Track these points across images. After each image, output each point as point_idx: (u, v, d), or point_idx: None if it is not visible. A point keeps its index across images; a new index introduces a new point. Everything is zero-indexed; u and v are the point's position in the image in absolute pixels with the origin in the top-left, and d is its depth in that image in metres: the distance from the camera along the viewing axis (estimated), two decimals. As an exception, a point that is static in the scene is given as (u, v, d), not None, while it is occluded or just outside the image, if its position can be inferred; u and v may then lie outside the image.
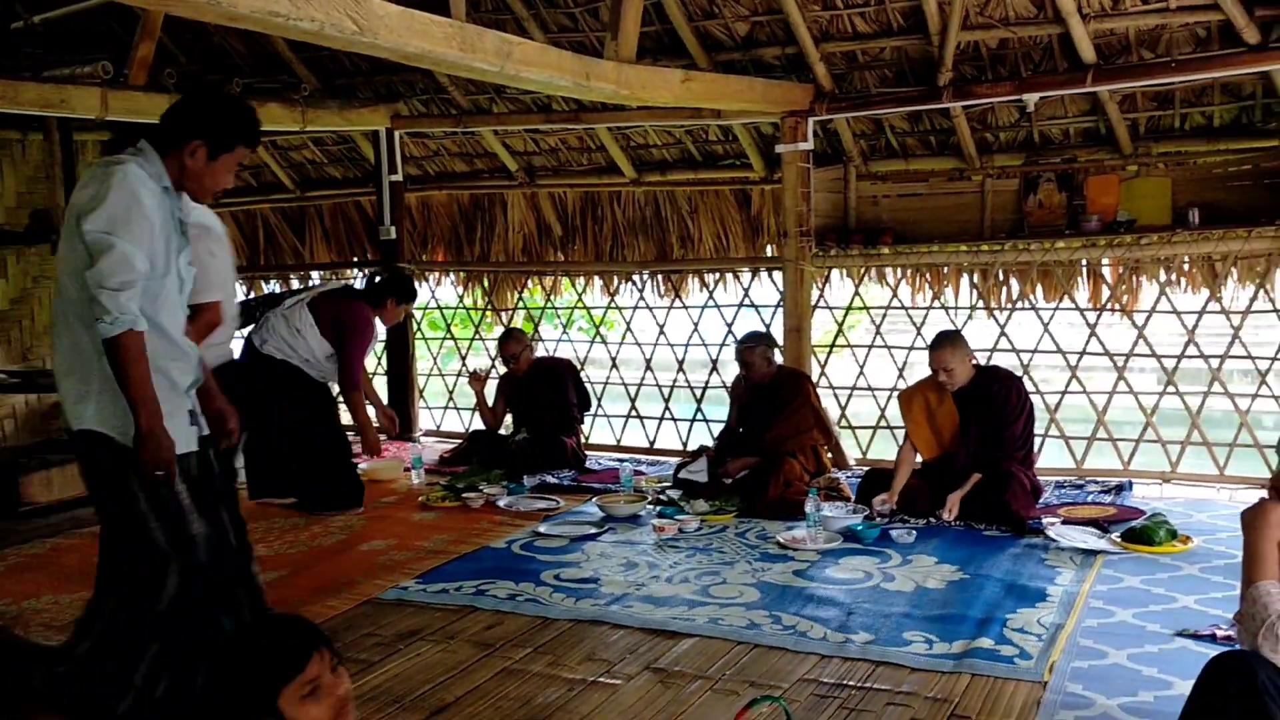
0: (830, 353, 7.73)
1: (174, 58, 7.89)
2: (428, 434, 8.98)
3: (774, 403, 6.32)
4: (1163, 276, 6.61)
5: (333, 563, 5.28)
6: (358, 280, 9.73)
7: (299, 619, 2.20)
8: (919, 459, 5.87)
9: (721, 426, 6.95)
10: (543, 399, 7.26)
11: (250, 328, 6.26)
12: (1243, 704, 2.25)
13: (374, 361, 8.95)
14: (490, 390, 7.56)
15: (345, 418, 6.65)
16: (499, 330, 9.00)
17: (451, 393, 9.23)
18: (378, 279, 6.80)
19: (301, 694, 2.05)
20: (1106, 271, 6.80)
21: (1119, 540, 5.09)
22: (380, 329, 6.49)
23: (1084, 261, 6.77)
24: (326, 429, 6.30)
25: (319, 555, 5.43)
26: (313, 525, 5.97)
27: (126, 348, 3.05)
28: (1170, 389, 6.72)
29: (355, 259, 9.58)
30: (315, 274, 9.83)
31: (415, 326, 9.02)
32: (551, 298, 8.90)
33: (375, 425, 6.37)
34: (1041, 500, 5.78)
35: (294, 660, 2.06)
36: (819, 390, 6.86)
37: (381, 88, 8.27)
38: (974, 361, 5.83)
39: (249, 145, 3.41)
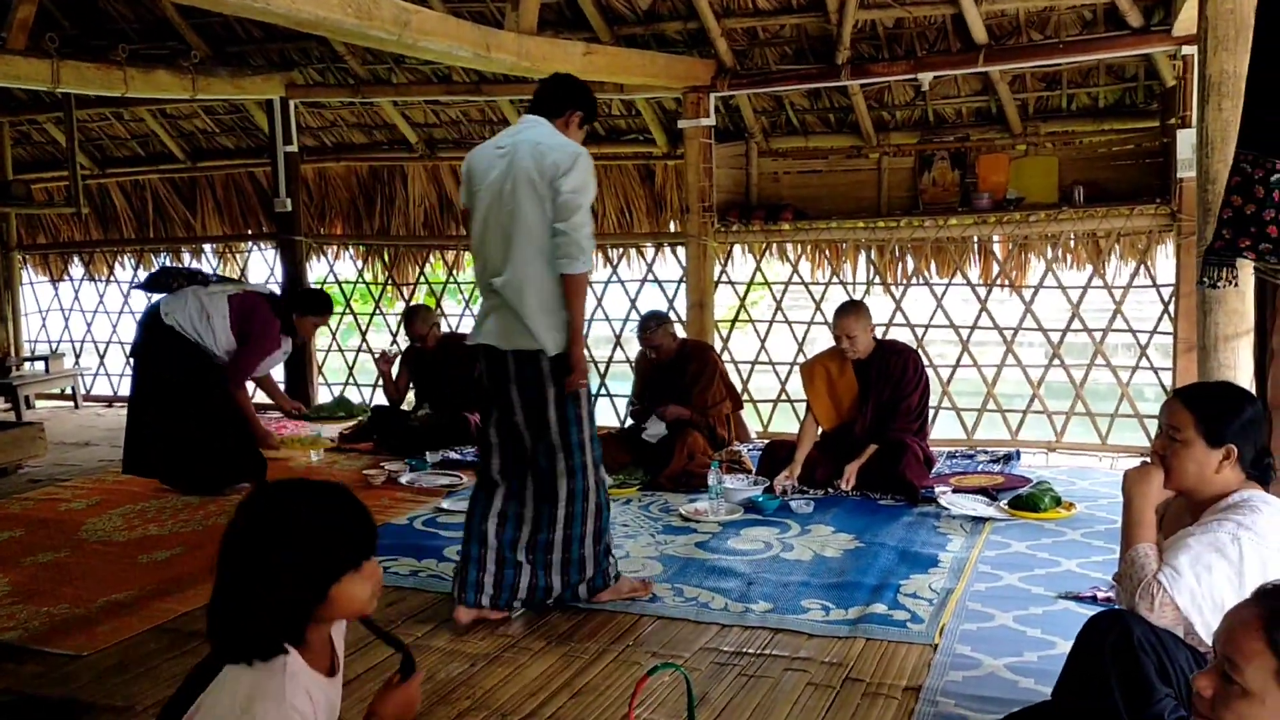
0: (733, 328, 7.82)
1: (56, 21, 7.57)
2: (327, 411, 8.83)
3: (682, 376, 6.36)
4: (1049, 253, 6.84)
5: (229, 542, 5.16)
6: (253, 255, 9.53)
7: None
8: (819, 431, 5.99)
9: (626, 401, 6.97)
10: (448, 376, 7.18)
11: (163, 295, 6.04)
12: (1118, 659, 2.34)
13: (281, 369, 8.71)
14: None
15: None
16: (400, 305, 8.89)
17: (352, 369, 9.09)
18: (297, 291, 6.66)
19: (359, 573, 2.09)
20: (997, 248, 7.00)
21: (1007, 507, 5.27)
22: (287, 344, 6.30)
23: (975, 238, 6.96)
24: (225, 405, 6.16)
25: (214, 533, 5.31)
26: (208, 504, 5.84)
27: (582, 283, 3.95)
28: (1056, 362, 6.97)
29: (250, 232, 9.34)
30: (207, 246, 9.58)
31: (313, 301, 8.83)
32: (454, 273, 8.81)
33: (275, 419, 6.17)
34: (934, 470, 5.95)
35: (370, 544, 2.12)
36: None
37: (275, 56, 8.06)
38: (874, 334, 5.96)
39: (593, 120, 4.21)
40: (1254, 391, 3.63)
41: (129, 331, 9.92)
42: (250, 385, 6.35)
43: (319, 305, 6.46)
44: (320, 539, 2.07)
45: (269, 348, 6.11)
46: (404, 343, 7.57)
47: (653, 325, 6.39)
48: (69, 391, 9.64)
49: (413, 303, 8.28)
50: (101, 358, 10.12)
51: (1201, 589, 2.39)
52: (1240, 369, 3.65)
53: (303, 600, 2.07)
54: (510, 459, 4.02)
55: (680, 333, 6.84)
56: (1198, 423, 2.55)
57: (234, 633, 2.10)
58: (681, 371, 6.39)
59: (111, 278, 10.05)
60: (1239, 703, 1.55)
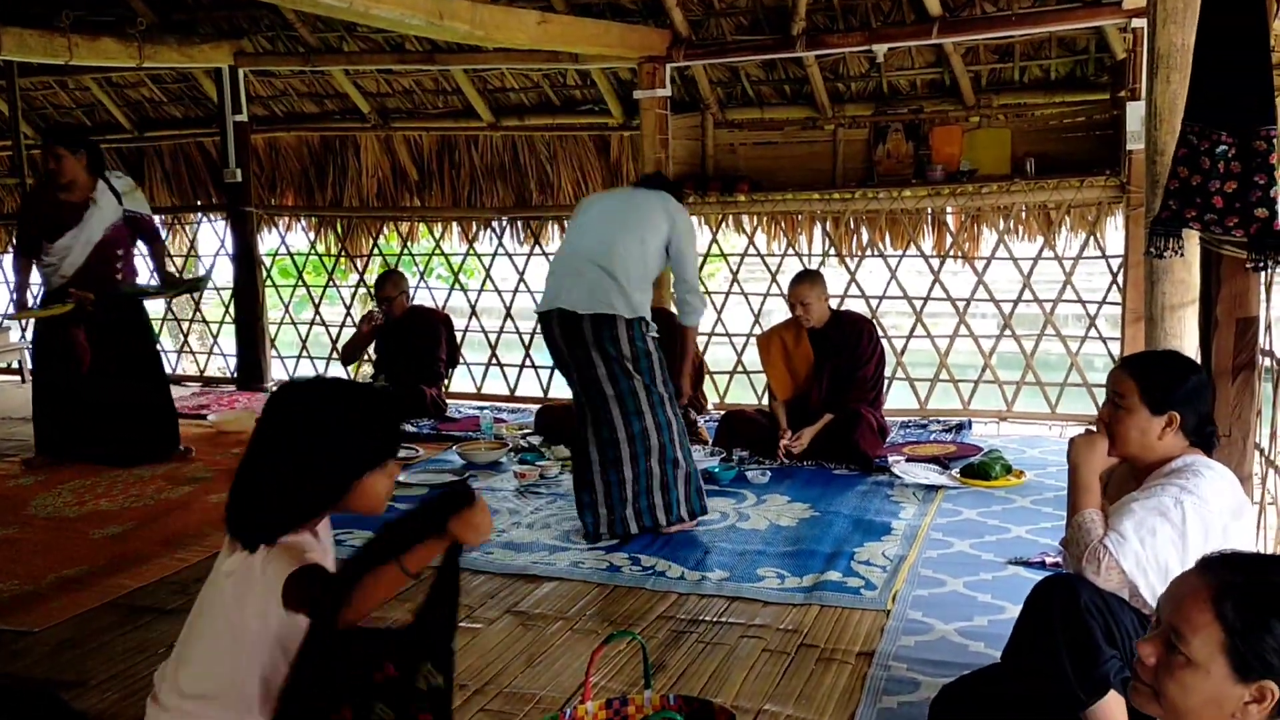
0: (688, 299, 7.82)
1: (-7, -15, 7.37)
2: (279, 384, 8.75)
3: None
4: (1001, 225, 6.91)
5: (180, 516, 5.11)
6: (202, 227, 9.40)
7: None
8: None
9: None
10: (411, 348, 7.10)
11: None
12: (1066, 622, 2.39)
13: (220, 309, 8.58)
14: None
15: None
16: (354, 278, 8.80)
17: (305, 341, 9.00)
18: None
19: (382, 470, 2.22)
20: (950, 220, 7.06)
21: (958, 476, 5.35)
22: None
23: (929, 210, 7.01)
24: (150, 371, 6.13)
25: (166, 508, 5.26)
26: (159, 478, 5.77)
27: (695, 331, 5.11)
28: (1008, 333, 7.06)
29: (199, 203, 9.20)
30: (156, 217, 9.39)
31: (265, 274, 8.72)
32: (408, 244, 8.73)
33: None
34: (888, 440, 6.02)
35: (396, 444, 2.25)
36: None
37: (224, 23, 7.90)
38: (830, 304, 6.00)
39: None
40: (1199, 360, 3.71)
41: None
42: None
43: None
44: (354, 434, 2.19)
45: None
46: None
47: None
48: (15, 366, 9.46)
49: (379, 271, 8.19)
50: (48, 331, 9.91)
51: (1146, 552, 2.44)
52: (1186, 338, 3.71)
53: (333, 491, 2.20)
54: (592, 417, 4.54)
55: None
56: (1141, 390, 2.60)
57: (263, 521, 2.19)
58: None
59: (57, 250, 9.83)
60: (1182, 672, 1.56)
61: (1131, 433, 2.61)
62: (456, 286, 8.61)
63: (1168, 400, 2.58)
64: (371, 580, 1.99)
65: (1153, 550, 2.44)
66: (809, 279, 5.85)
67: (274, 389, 1.92)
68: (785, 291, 6.00)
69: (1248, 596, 1.54)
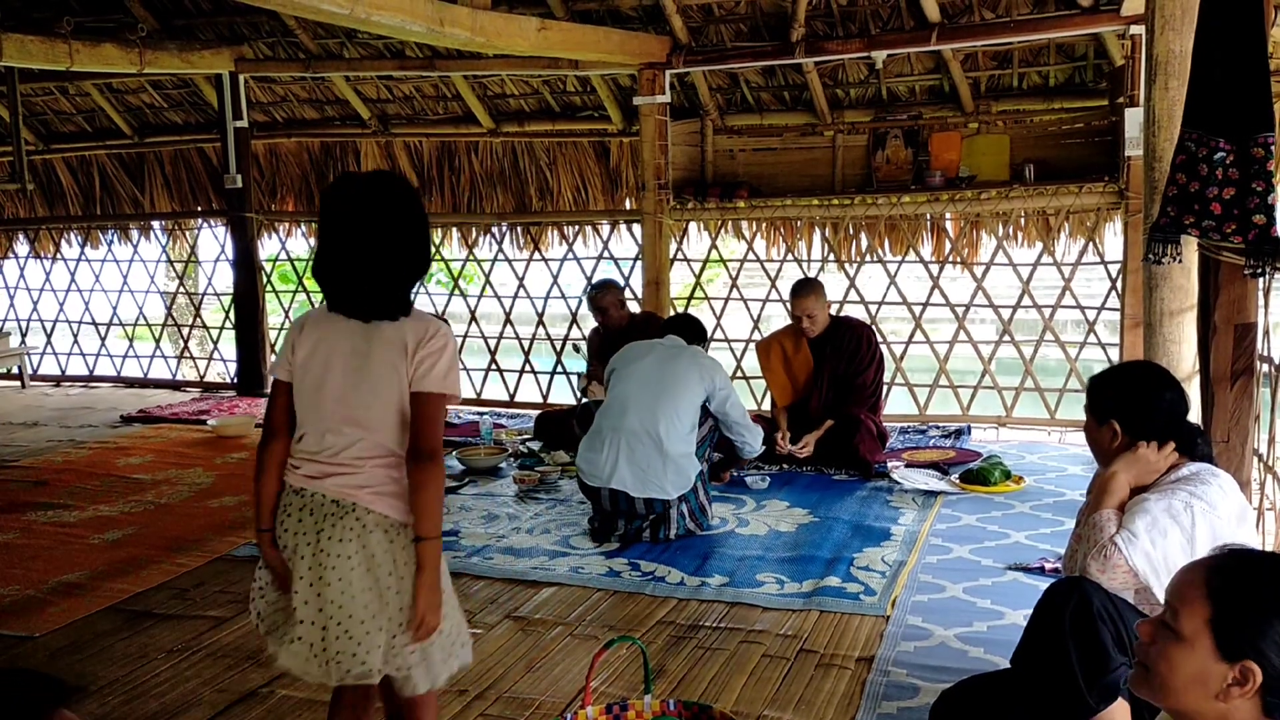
0: (688, 305, 7.84)
1: (-5, -8, 7.39)
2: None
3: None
4: (1000, 231, 6.92)
5: (181, 520, 5.12)
6: (203, 232, 9.42)
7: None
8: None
9: (577, 378, 6.97)
10: None
11: None
12: (1077, 628, 2.39)
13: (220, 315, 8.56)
14: None
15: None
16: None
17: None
18: None
19: None
20: (949, 226, 7.07)
21: (957, 481, 5.35)
22: None
23: (928, 216, 7.02)
24: None
25: (165, 512, 5.27)
26: (160, 483, 5.78)
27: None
28: (1007, 338, 7.07)
29: (199, 209, 9.21)
30: (156, 224, 9.44)
31: (265, 280, 8.73)
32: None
33: None
34: (887, 445, 6.02)
35: None
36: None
37: (224, 29, 7.92)
38: (830, 310, 6.01)
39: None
40: (1198, 366, 3.72)
41: (76, 310, 9.77)
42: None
43: None
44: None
45: None
46: None
47: (601, 289, 6.41)
48: (15, 371, 9.47)
49: None
50: (48, 336, 9.94)
51: (1156, 552, 2.45)
52: (1184, 344, 3.72)
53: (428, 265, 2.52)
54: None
55: (634, 308, 6.85)
56: (1088, 402, 2.78)
57: (392, 298, 2.38)
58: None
59: (58, 255, 9.86)
60: (1170, 646, 1.59)
61: (1088, 441, 2.79)
62: (456, 292, 8.62)
63: (1105, 410, 2.70)
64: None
65: (1163, 550, 2.45)
66: (813, 290, 5.85)
67: (334, 191, 2.39)
68: (787, 302, 5.99)
69: (1237, 574, 1.58)
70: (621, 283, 7.21)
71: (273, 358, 8.78)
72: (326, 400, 2.37)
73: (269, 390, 2.44)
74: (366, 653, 2.28)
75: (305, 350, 2.40)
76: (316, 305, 2.50)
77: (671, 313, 7.48)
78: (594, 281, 6.71)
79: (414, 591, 2.28)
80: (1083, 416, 2.82)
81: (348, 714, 2.44)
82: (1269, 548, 3.93)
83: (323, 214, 2.41)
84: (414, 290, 2.48)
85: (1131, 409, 2.64)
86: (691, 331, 5.21)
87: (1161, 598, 2.40)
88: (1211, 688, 1.54)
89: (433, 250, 2.52)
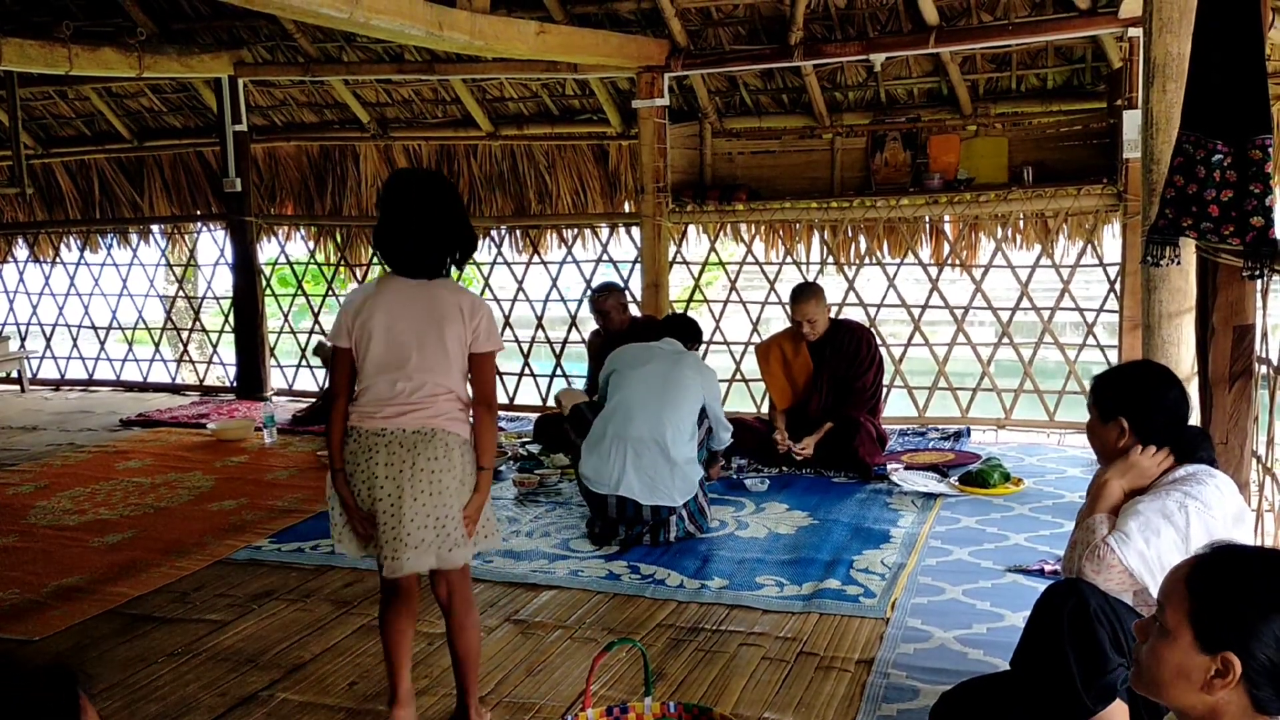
0: (688, 308, 7.84)
1: (-6, -4, 7.40)
2: (279, 393, 8.76)
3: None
4: (999, 233, 6.92)
5: (181, 523, 5.13)
6: (202, 236, 9.42)
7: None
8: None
9: (582, 383, 6.97)
10: None
11: None
12: (1075, 629, 2.40)
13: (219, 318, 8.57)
14: None
15: None
16: (353, 286, 8.82)
17: (304, 350, 9.01)
18: None
19: None
20: (948, 228, 7.08)
21: (957, 483, 5.35)
22: None
23: (927, 218, 7.03)
24: None
25: (165, 516, 5.27)
26: (159, 486, 5.78)
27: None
28: (1006, 341, 7.07)
29: (199, 212, 9.21)
30: (155, 227, 9.44)
31: (265, 283, 8.73)
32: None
33: None
34: (887, 448, 6.02)
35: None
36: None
37: (223, 33, 7.93)
38: (829, 313, 6.01)
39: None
40: (1196, 368, 3.72)
41: (75, 314, 9.77)
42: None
43: None
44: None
45: None
46: None
47: (604, 292, 6.41)
48: (14, 375, 9.47)
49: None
50: (47, 340, 9.94)
51: (1151, 552, 2.46)
52: (1183, 345, 3.73)
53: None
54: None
55: (635, 312, 6.85)
56: (1094, 400, 2.75)
57: (441, 261, 2.96)
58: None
59: (57, 259, 9.86)
60: (1157, 641, 1.62)
61: (1090, 440, 2.79)
62: (455, 295, 8.61)
63: (1114, 408, 2.68)
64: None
65: (1156, 550, 2.46)
66: (813, 295, 5.85)
67: (396, 180, 3.08)
68: (787, 306, 5.99)
69: (1217, 568, 1.60)
70: (623, 286, 7.22)
71: (272, 361, 8.81)
72: (394, 351, 2.90)
73: (332, 359, 3.01)
74: (462, 537, 2.92)
75: (368, 314, 2.92)
76: (360, 283, 2.86)
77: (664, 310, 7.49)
78: (596, 284, 6.71)
79: (471, 500, 2.94)
80: (1082, 418, 2.83)
81: (444, 589, 3.02)
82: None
83: (389, 199, 2.99)
84: (463, 260, 3.06)
85: (1138, 406, 2.65)
86: (687, 333, 5.21)
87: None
88: (1194, 680, 1.57)
89: (475, 231, 3.12)
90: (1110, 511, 2.61)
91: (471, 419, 2.97)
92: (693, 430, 4.76)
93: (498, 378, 7.69)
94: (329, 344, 3.03)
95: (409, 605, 3.03)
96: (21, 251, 9.98)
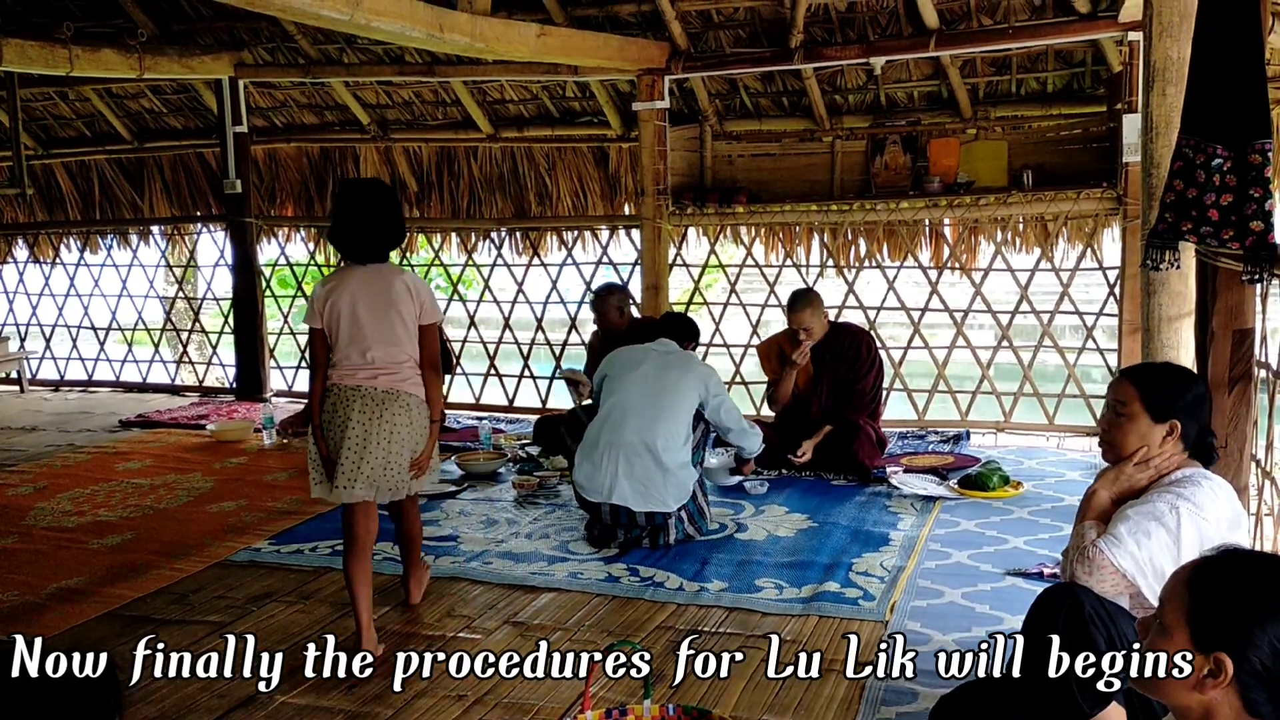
0: (687, 310, 7.84)
1: (-5, -3, 7.41)
2: (279, 394, 8.76)
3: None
4: (999, 236, 6.93)
5: (180, 525, 5.13)
6: (202, 237, 9.42)
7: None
8: (776, 411, 6.04)
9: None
10: None
11: None
12: (1070, 632, 2.40)
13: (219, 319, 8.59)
14: None
15: None
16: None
17: (304, 352, 9.01)
18: None
19: None
20: (948, 231, 7.08)
21: (956, 487, 5.36)
22: None
23: (926, 221, 7.03)
24: None
25: (165, 517, 5.27)
26: (159, 487, 5.78)
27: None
28: (1005, 344, 7.07)
29: (199, 213, 9.21)
30: (155, 228, 9.44)
31: (264, 285, 8.74)
32: (407, 255, 8.75)
33: None
34: (886, 450, 6.02)
35: None
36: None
37: (224, 35, 7.93)
38: (828, 317, 6.01)
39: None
40: (1195, 371, 3.72)
41: (75, 314, 9.78)
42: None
43: None
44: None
45: None
46: None
47: (603, 294, 6.40)
48: (14, 376, 9.47)
49: None
50: (47, 341, 9.94)
51: (1142, 553, 2.46)
52: (1183, 349, 3.73)
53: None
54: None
55: (635, 312, 6.85)
56: (1143, 398, 2.63)
57: (381, 248, 3.70)
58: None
59: (57, 260, 9.87)
60: (1157, 639, 1.64)
61: (1131, 440, 2.63)
62: (455, 297, 8.63)
63: (1169, 409, 2.60)
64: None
65: (1148, 552, 2.46)
66: (809, 303, 5.82)
67: (347, 187, 3.94)
68: (785, 311, 5.98)
69: (1217, 569, 1.62)
70: (624, 286, 7.22)
71: (272, 363, 8.81)
72: (363, 326, 3.59)
73: (310, 339, 3.72)
74: (407, 479, 3.66)
75: (335, 298, 3.61)
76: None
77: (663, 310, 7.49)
78: (597, 285, 6.71)
79: (424, 449, 3.71)
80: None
81: (403, 513, 3.90)
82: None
83: (342, 200, 3.75)
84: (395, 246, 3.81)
85: (1190, 410, 2.62)
86: (683, 332, 5.19)
87: (1152, 600, 2.42)
88: (1189, 679, 1.57)
89: (406, 225, 4.18)
90: (1099, 519, 2.62)
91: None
92: (687, 434, 4.74)
93: (497, 378, 7.77)
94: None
95: (365, 551, 3.64)
96: (21, 252, 9.98)
